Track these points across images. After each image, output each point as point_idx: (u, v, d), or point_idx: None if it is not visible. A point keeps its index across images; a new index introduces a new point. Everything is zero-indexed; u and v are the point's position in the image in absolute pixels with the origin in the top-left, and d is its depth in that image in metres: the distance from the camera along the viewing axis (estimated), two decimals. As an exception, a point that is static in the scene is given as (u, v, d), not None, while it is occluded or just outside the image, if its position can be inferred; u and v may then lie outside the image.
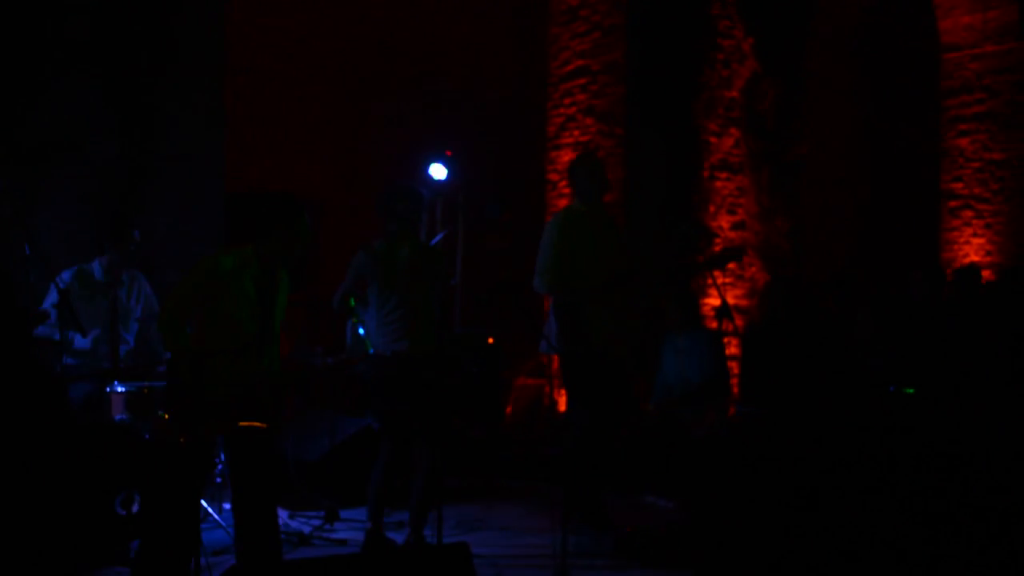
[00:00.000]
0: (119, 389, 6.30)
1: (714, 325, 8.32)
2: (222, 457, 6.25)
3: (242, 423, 4.90)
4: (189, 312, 4.93)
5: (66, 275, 6.56)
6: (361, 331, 6.41)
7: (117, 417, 6.25)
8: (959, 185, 12.23)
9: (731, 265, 9.81)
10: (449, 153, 9.07)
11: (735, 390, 9.15)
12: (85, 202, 7.43)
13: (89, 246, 6.93)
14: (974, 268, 9.46)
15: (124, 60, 7.80)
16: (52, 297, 6.25)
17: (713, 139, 10.34)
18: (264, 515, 4.99)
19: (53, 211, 7.37)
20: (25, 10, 7.40)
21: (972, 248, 12.04)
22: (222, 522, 6.41)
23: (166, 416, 4.94)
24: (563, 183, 10.49)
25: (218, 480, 6.70)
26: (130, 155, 7.81)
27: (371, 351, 6.29)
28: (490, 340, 8.70)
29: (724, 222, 10.30)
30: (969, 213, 12.14)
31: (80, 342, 6.53)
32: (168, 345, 4.95)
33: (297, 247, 5.05)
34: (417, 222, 6.35)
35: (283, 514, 6.92)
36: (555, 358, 9.14)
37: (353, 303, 6.32)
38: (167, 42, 7.96)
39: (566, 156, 10.48)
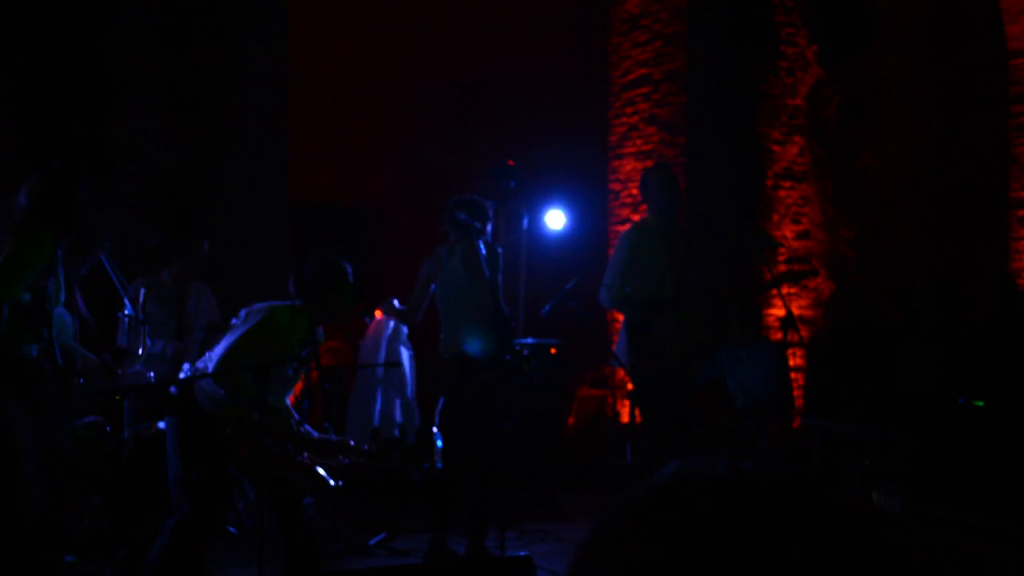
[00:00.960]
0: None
1: (779, 336, 8.24)
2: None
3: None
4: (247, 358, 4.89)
5: (137, 284, 6.64)
6: None
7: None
8: (1029, 193, 12.01)
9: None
10: (511, 163, 9.05)
11: (799, 402, 9.05)
12: (153, 214, 7.52)
13: (156, 256, 7.00)
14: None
15: (188, 73, 7.89)
16: (127, 307, 6.32)
17: (776, 147, 10.24)
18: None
19: (122, 223, 7.45)
20: (91, 24, 7.51)
21: (1042, 258, 11.82)
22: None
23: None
24: (625, 192, 10.44)
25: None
26: (195, 167, 7.89)
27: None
28: (552, 350, 8.67)
29: (788, 231, 10.20)
30: (1039, 222, 11.92)
31: (153, 349, 6.59)
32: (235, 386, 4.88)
33: (344, 310, 5.13)
34: (475, 227, 6.33)
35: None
36: (618, 369, 9.10)
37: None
38: (230, 54, 8.04)
39: (628, 165, 10.43)
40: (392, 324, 7.39)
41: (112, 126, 7.53)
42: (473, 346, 6.12)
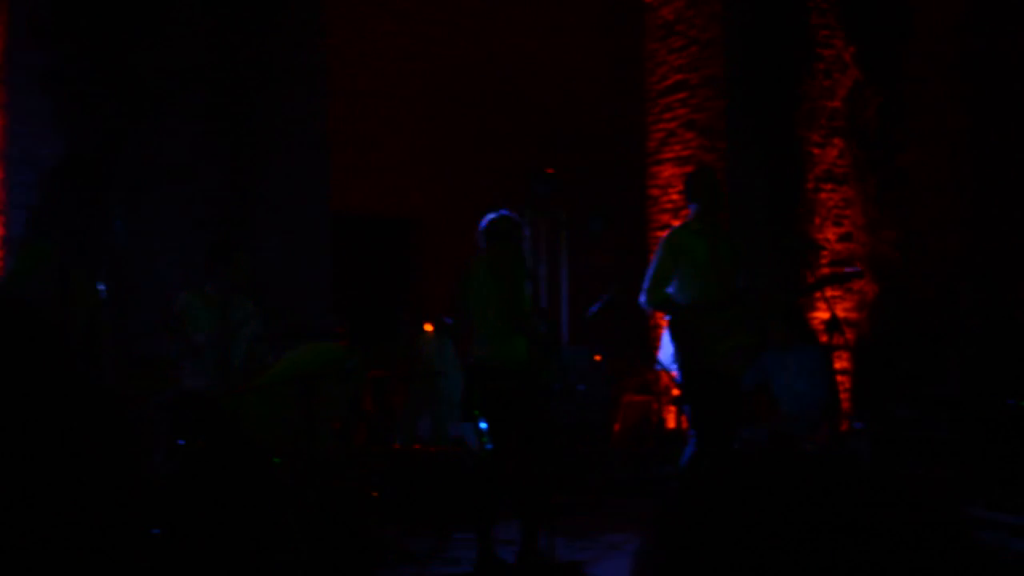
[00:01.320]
0: None
1: (824, 339, 8.19)
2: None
3: None
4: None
5: (180, 296, 6.69)
6: None
7: None
8: (1072, 192, 11.88)
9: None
10: (550, 171, 9.05)
11: (845, 405, 8.98)
12: (196, 227, 7.58)
13: (201, 270, 7.05)
14: None
15: (228, 88, 7.96)
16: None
17: (816, 150, 10.19)
18: None
19: (165, 236, 7.52)
20: (132, 42, 7.59)
21: (1087, 257, 11.68)
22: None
23: None
24: (664, 198, 10.42)
25: None
26: (237, 180, 7.95)
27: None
28: (597, 357, 8.66)
29: (830, 234, 10.14)
30: (1083, 221, 11.78)
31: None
32: None
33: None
34: (509, 237, 6.33)
35: None
36: (662, 375, 9.06)
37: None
38: (269, 70, 8.10)
39: (667, 171, 10.42)
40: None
41: (155, 140, 7.61)
42: (499, 354, 6.12)
